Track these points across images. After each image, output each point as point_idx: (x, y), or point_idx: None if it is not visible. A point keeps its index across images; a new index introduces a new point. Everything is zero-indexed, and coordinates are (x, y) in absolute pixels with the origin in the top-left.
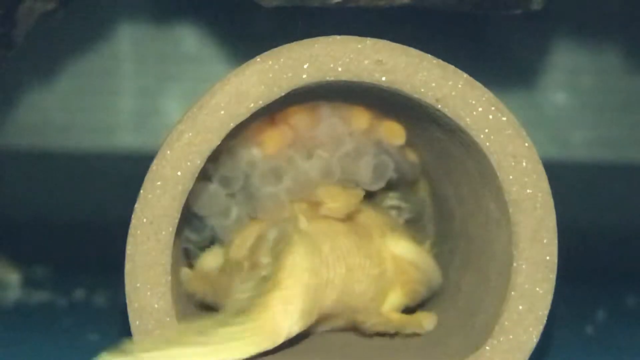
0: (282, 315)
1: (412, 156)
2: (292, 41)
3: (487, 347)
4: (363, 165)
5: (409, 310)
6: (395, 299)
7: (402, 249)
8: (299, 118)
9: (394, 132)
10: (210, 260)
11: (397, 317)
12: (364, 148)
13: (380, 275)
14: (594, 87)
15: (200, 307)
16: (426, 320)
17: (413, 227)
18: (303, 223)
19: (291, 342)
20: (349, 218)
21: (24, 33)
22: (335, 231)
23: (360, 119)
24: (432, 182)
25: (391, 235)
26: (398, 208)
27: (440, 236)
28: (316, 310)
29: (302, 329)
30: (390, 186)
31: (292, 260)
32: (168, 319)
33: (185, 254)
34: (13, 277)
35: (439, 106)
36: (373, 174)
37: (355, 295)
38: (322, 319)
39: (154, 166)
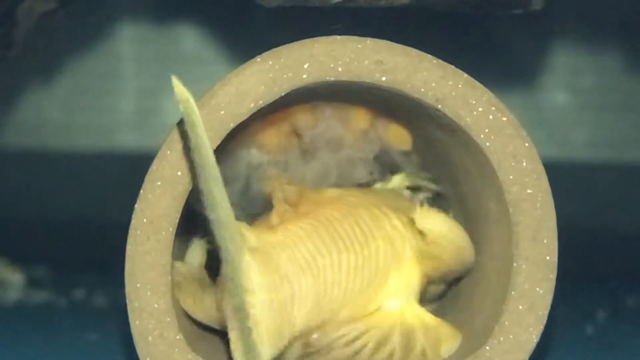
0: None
1: (414, 157)
2: (292, 41)
3: (487, 347)
4: (359, 166)
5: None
6: (402, 278)
7: (431, 223)
8: (299, 118)
9: (400, 138)
10: (196, 255)
11: (400, 312)
12: (363, 148)
13: (367, 260)
14: (594, 87)
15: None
16: (447, 342)
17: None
18: (251, 240)
19: None
20: (314, 212)
21: (24, 33)
22: (294, 238)
23: (360, 119)
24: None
25: (420, 211)
26: (412, 188)
27: None
28: (286, 330)
29: (275, 353)
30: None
31: (246, 281)
32: (168, 319)
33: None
34: (13, 277)
35: (439, 106)
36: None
37: (335, 297)
38: (296, 339)
39: (154, 166)
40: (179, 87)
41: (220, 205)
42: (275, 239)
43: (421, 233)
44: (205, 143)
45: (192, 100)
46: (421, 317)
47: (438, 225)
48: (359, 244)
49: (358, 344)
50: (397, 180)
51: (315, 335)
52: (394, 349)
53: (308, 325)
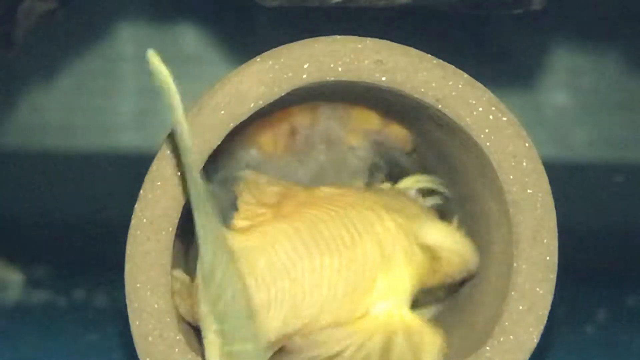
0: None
1: (415, 157)
2: (292, 41)
3: (487, 348)
4: (359, 167)
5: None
6: (391, 282)
7: (435, 238)
8: (298, 118)
9: (400, 137)
10: None
11: (386, 316)
12: (363, 148)
13: (353, 263)
14: (594, 87)
15: None
16: (429, 346)
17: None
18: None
19: None
20: (296, 213)
21: (24, 33)
22: (271, 241)
23: (371, 121)
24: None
25: (420, 225)
26: (424, 191)
27: None
28: (260, 337)
29: None
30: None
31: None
32: (168, 319)
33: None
34: (13, 277)
35: (439, 106)
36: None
37: (315, 302)
38: (274, 343)
39: (154, 166)
40: (155, 62)
41: (195, 185)
42: (252, 243)
43: (425, 248)
44: (183, 123)
45: (169, 76)
46: (406, 321)
47: (443, 240)
48: (344, 246)
49: (336, 350)
50: (408, 183)
51: (295, 340)
52: (370, 353)
53: (285, 330)
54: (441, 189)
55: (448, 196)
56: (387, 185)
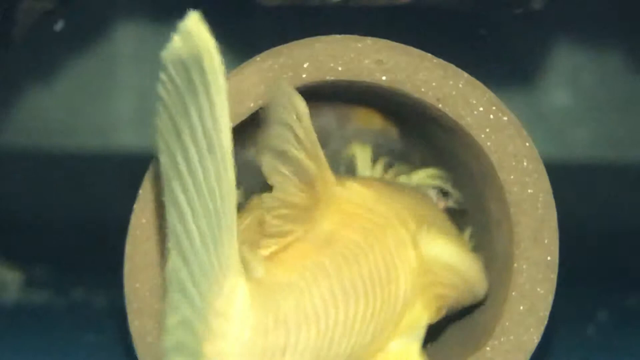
0: None
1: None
2: (292, 41)
3: (488, 348)
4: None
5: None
6: (413, 316)
7: (437, 250)
8: None
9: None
10: None
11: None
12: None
13: (386, 303)
14: (595, 87)
15: None
16: None
17: (452, 215)
18: (258, 271)
19: None
20: (337, 236)
21: (23, 32)
22: (308, 281)
23: (371, 121)
24: None
25: (426, 233)
26: (440, 190)
27: None
28: None
29: None
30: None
31: (234, 309)
32: None
33: None
34: (13, 277)
35: (440, 106)
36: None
37: (342, 353)
38: None
39: (153, 165)
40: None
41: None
42: (287, 278)
43: (421, 257)
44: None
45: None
46: None
47: (442, 253)
48: (380, 284)
49: None
50: (422, 175)
51: None
52: None
53: None
54: (451, 189)
55: (460, 199)
56: (405, 177)
